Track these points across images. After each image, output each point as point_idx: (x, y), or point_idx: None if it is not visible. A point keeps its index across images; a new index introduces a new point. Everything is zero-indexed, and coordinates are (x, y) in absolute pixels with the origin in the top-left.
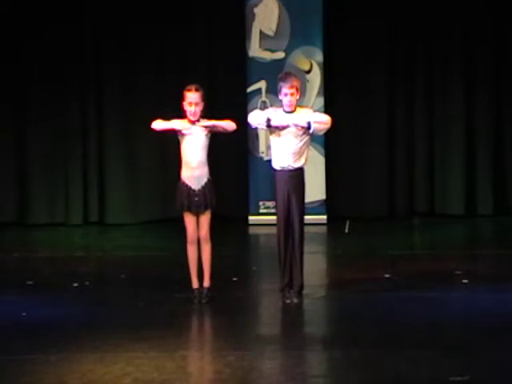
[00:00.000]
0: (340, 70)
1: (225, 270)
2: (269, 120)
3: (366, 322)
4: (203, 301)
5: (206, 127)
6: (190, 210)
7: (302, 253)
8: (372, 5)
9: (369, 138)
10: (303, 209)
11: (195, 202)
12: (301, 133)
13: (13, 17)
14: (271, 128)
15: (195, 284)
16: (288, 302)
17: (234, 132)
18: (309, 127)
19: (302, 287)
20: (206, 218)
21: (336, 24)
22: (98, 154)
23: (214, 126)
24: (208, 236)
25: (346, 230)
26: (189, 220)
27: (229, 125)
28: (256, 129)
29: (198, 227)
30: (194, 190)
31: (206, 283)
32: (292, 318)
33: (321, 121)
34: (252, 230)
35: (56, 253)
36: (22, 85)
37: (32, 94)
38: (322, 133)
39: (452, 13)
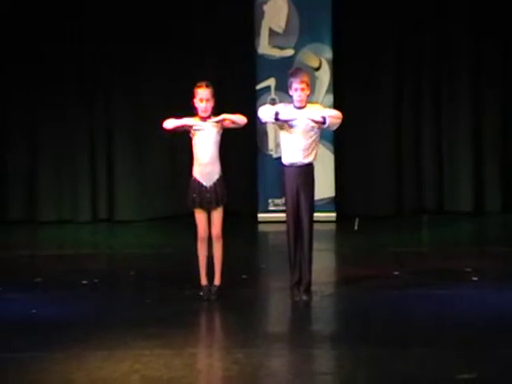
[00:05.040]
0: (349, 66)
1: (234, 268)
2: (277, 113)
3: (374, 320)
4: (212, 297)
5: (217, 122)
6: (201, 207)
7: (310, 249)
8: (381, 1)
9: (378, 135)
10: (312, 205)
11: (206, 198)
12: (310, 129)
13: (25, 17)
14: (279, 122)
15: (204, 281)
16: (297, 299)
17: (245, 126)
18: (324, 122)
19: (310, 284)
20: (217, 216)
21: (345, 21)
22: (106, 152)
23: (224, 120)
24: (220, 234)
25: (355, 228)
26: (200, 217)
27: (239, 118)
28: (265, 124)
29: (209, 225)
30: (205, 187)
31: (217, 281)
32: (300, 315)
33: (334, 115)
34: (261, 228)
35: (65, 250)
36: (33, 84)
37: (42, 93)
38: (334, 127)
39: (461, 10)
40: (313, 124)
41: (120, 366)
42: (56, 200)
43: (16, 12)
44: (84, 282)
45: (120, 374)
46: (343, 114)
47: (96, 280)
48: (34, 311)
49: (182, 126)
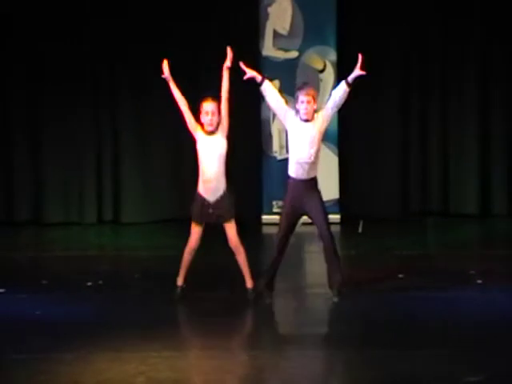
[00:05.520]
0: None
1: (238, 270)
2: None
3: (379, 322)
4: (250, 298)
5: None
6: (197, 221)
7: (336, 251)
8: (386, 4)
9: (383, 137)
10: (325, 209)
11: (208, 213)
12: (316, 141)
13: (28, 17)
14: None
15: (180, 281)
16: (267, 301)
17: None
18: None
19: (342, 284)
20: (230, 229)
21: (349, 22)
22: (112, 153)
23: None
24: (239, 244)
25: (360, 230)
26: (194, 230)
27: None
28: (269, 123)
29: (227, 239)
30: (208, 202)
31: (249, 284)
32: (305, 317)
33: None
34: (265, 230)
35: (70, 252)
36: (37, 85)
37: (47, 94)
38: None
39: (469, 13)
40: (320, 133)
41: (126, 368)
42: (62, 202)
43: (18, 12)
44: (89, 283)
45: (126, 375)
46: (348, 116)
47: (101, 282)
48: (38, 312)
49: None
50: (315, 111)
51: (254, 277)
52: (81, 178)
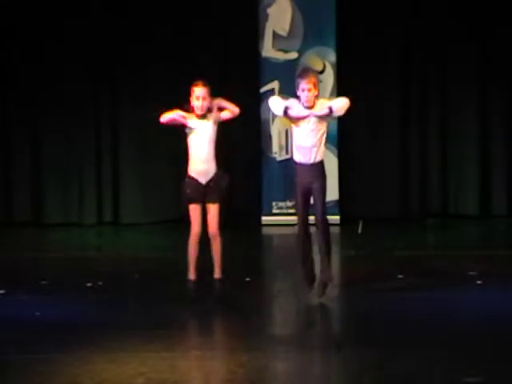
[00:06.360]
0: (353, 70)
1: (238, 271)
2: (286, 108)
3: (379, 323)
4: (216, 292)
5: (213, 110)
6: (195, 202)
7: (329, 244)
8: (385, 5)
9: (382, 138)
10: (324, 201)
11: (201, 192)
12: (320, 125)
13: (28, 17)
14: (288, 117)
15: (192, 275)
16: (319, 298)
17: (239, 118)
18: (331, 111)
19: (330, 280)
20: (213, 213)
21: (349, 24)
22: (112, 154)
23: (219, 107)
24: (217, 232)
25: (359, 231)
26: (194, 212)
27: (233, 106)
28: (269, 124)
29: (206, 223)
30: (200, 184)
31: (217, 275)
32: (305, 318)
33: (339, 101)
34: (265, 231)
35: (70, 253)
36: (38, 86)
37: (47, 95)
38: (343, 112)
39: (467, 14)
40: (322, 119)
41: (125, 369)
42: (62, 203)
43: (18, 12)
44: (89, 284)
45: (125, 376)
46: (347, 117)
47: (101, 283)
48: (37, 313)
49: (176, 120)
50: (316, 97)
51: (223, 269)
52: (81, 178)
